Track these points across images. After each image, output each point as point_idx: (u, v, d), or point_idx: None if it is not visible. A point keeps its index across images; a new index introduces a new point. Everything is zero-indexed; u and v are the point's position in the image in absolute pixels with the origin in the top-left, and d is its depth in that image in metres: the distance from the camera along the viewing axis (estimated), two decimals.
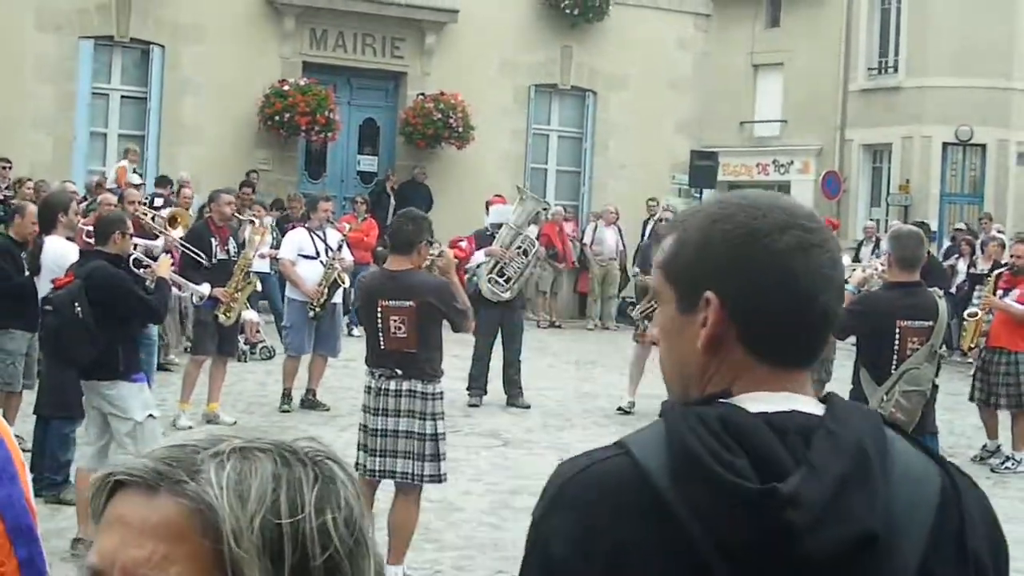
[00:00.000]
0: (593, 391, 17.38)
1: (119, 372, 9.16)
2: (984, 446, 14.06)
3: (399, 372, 8.86)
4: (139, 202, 14.91)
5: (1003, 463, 13.58)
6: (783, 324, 2.06)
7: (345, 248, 15.60)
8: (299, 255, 15.14)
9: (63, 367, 9.82)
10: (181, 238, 14.08)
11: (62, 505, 10.21)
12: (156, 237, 13.81)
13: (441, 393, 9.05)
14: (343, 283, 14.94)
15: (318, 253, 15.07)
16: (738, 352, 2.07)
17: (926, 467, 2.04)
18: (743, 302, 2.05)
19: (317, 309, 14.74)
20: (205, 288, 12.96)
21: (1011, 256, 14.69)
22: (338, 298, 15.09)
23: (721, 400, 2.02)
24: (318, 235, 15.25)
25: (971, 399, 14.27)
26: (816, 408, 2.03)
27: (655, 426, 2.03)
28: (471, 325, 9.70)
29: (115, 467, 1.50)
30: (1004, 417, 14.21)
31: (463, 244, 22.18)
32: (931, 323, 8.49)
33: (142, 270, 10.60)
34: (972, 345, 15.05)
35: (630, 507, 1.92)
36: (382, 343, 8.95)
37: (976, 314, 14.91)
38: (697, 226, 2.11)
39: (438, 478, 8.94)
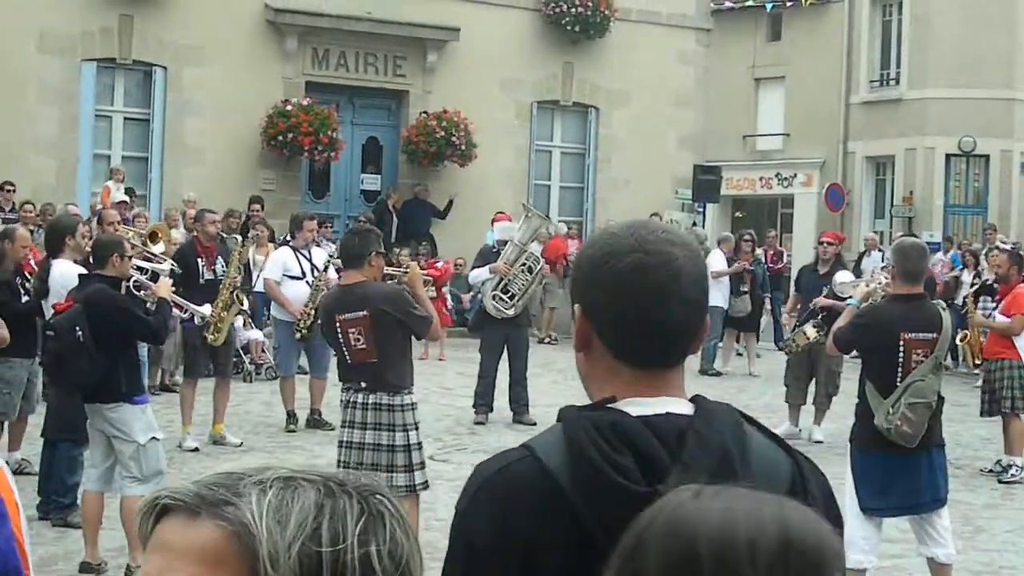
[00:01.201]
0: None
1: (122, 394, 9.14)
2: (998, 461, 13.93)
3: (364, 384, 8.99)
4: (117, 222, 14.82)
5: (1008, 473, 13.50)
6: (629, 331, 2.43)
7: (331, 268, 15.54)
8: (284, 275, 15.10)
9: (67, 391, 9.82)
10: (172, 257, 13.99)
11: (69, 528, 10.21)
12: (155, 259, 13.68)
13: (412, 404, 9.18)
14: None
15: (304, 273, 15.03)
16: (608, 357, 2.46)
17: (777, 457, 2.35)
18: (597, 313, 2.47)
19: (304, 331, 14.73)
20: (206, 309, 12.95)
21: (995, 268, 14.71)
22: None
23: (610, 406, 2.36)
24: (303, 255, 15.22)
25: (981, 413, 14.21)
26: (687, 408, 2.37)
27: (556, 429, 2.36)
28: (437, 332, 9.84)
29: (161, 492, 1.51)
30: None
31: (439, 265, 22.34)
32: (935, 335, 8.46)
33: (143, 292, 10.59)
34: (978, 361, 15.08)
35: (540, 507, 2.23)
36: (348, 357, 9.12)
37: (966, 336, 14.97)
38: (580, 252, 2.61)
39: (413, 488, 9.00)
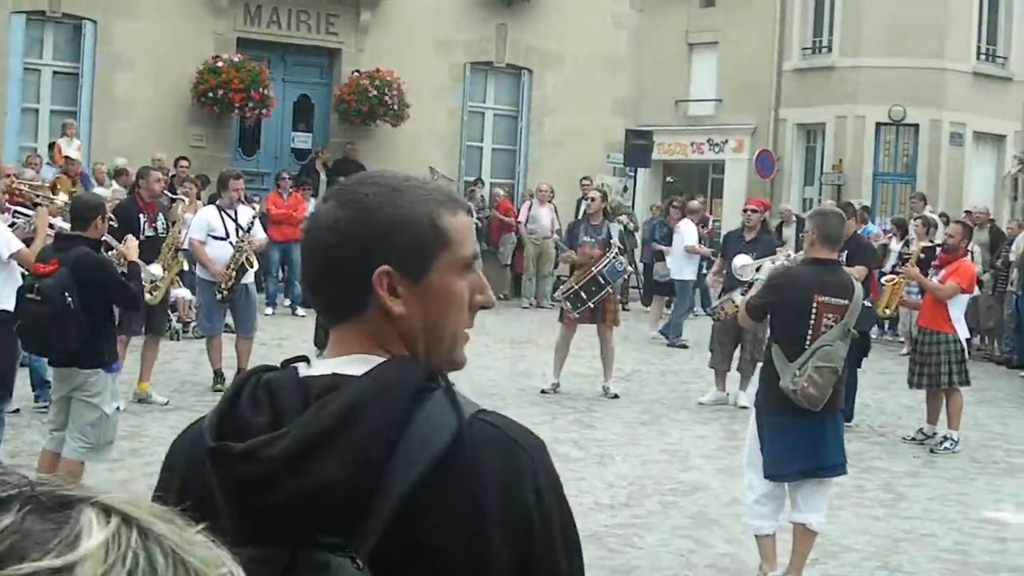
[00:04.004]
0: (527, 370, 17.39)
1: (103, 361, 9.06)
2: (920, 429, 14.03)
3: None
4: (13, 174, 14.59)
5: (941, 444, 13.60)
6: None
7: (257, 227, 15.39)
8: (209, 235, 14.97)
9: (43, 356, 9.71)
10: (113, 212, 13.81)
11: None
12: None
13: None
14: (251, 266, 14.79)
15: (228, 234, 14.88)
16: None
17: (443, 423, 2.06)
18: None
19: (224, 293, 14.64)
20: (156, 269, 12.84)
21: (946, 235, 14.78)
22: (249, 278, 14.96)
23: (293, 364, 2.19)
24: (228, 214, 15.06)
25: (910, 384, 14.17)
26: (360, 368, 2.11)
27: None
28: None
29: None
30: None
31: None
32: (847, 302, 8.55)
33: (111, 253, 10.46)
34: (887, 309, 15.06)
35: (187, 455, 2.17)
36: None
37: (893, 279, 14.97)
38: None
39: None
